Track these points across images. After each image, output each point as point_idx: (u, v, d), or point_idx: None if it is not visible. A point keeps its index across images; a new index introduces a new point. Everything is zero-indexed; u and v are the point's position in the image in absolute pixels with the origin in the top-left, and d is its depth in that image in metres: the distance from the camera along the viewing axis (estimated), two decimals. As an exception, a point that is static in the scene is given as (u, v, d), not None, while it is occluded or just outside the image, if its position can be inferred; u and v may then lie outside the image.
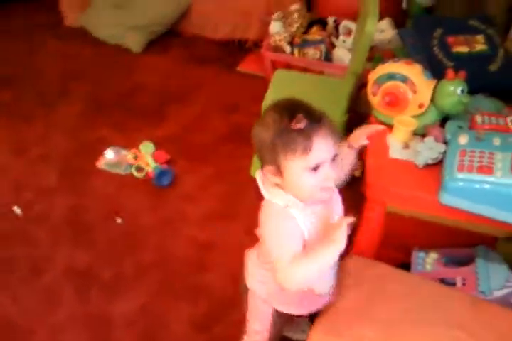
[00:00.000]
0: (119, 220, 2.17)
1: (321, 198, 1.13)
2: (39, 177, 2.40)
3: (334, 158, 1.08)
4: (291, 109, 1.07)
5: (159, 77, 3.05)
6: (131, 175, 2.37)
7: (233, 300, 1.87)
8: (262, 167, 1.15)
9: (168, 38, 3.34)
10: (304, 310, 1.38)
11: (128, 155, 2.40)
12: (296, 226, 1.12)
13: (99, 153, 2.48)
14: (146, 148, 2.41)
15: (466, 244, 1.70)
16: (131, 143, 2.47)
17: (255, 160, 2.35)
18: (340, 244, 1.05)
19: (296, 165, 1.07)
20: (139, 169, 2.37)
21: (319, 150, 1.05)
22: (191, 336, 1.78)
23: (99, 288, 1.93)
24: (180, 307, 1.87)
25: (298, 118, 1.04)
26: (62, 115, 2.77)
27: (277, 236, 1.12)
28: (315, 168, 1.06)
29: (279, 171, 1.10)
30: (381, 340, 1.28)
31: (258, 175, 1.18)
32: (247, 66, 3.13)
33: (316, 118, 1.06)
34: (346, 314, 1.35)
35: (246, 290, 1.39)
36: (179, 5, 3.25)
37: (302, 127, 1.04)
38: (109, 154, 2.47)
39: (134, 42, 3.25)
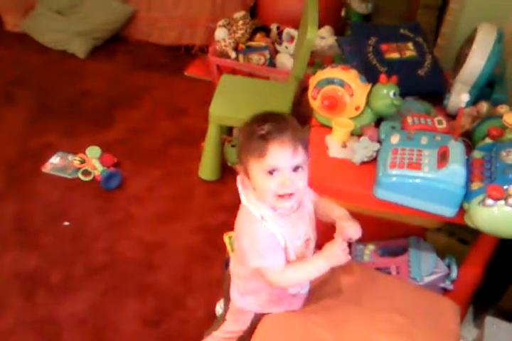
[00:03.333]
0: (66, 223, 2.17)
1: (282, 207, 1.20)
2: (-16, 183, 2.36)
3: (296, 169, 1.16)
4: (264, 117, 1.17)
5: (106, 82, 3.05)
6: (79, 179, 2.37)
7: (181, 297, 1.93)
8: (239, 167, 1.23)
9: (114, 43, 3.34)
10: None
11: (74, 159, 2.41)
12: (274, 239, 1.20)
13: (46, 158, 2.46)
14: (93, 152, 2.42)
15: (401, 235, 1.82)
16: (78, 148, 2.46)
17: (203, 163, 2.40)
18: (330, 259, 1.21)
19: (254, 167, 1.16)
20: (86, 173, 2.37)
21: (274, 156, 1.13)
22: (141, 333, 1.82)
23: (47, 290, 1.92)
24: (130, 305, 1.90)
25: (263, 124, 1.13)
26: (8, 121, 2.72)
27: (258, 248, 1.20)
28: (270, 172, 1.14)
29: (246, 172, 1.19)
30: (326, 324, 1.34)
31: (239, 178, 1.24)
32: (194, 71, 3.18)
33: (279, 127, 1.13)
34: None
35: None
36: (123, 12, 3.26)
37: (264, 133, 1.12)
38: (55, 159, 2.47)
39: (79, 48, 3.23)
